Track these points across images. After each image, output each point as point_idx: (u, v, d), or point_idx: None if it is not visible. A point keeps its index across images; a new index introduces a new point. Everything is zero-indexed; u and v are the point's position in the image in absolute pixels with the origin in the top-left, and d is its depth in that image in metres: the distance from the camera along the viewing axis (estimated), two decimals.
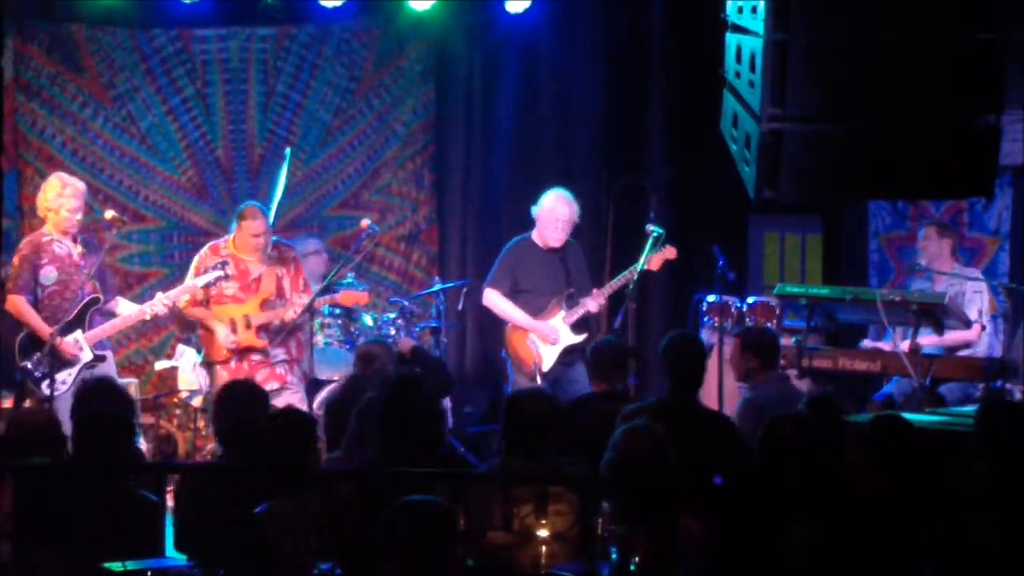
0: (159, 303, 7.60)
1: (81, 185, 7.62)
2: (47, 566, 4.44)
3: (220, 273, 7.61)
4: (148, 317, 7.72)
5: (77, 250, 7.55)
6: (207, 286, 7.65)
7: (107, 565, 4.30)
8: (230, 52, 9.91)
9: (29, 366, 7.38)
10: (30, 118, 9.68)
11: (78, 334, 7.45)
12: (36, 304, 7.43)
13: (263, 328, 7.73)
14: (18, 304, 7.43)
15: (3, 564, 4.54)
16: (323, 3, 9.61)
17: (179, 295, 7.67)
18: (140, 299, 8.36)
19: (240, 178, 9.99)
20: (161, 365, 9.19)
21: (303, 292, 7.84)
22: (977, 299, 8.27)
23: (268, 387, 7.64)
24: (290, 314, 7.70)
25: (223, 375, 7.65)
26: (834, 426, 5.15)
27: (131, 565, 4.33)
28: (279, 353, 7.79)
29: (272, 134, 9.99)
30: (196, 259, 7.88)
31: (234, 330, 7.68)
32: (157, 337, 9.62)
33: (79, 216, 7.53)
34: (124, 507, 4.78)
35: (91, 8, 9.68)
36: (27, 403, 7.44)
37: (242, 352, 7.70)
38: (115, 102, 9.79)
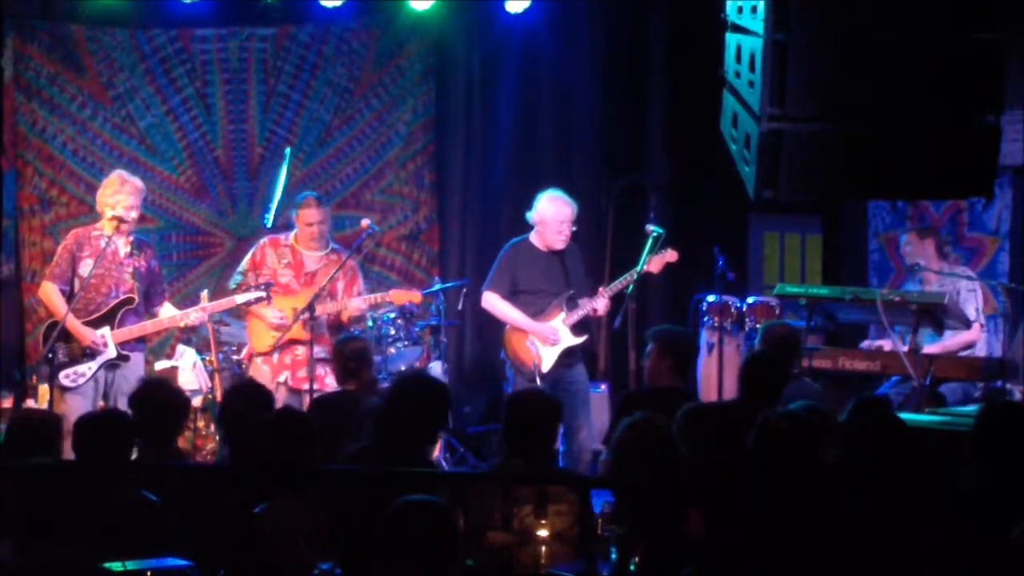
0: (195, 313, 7.63)
1: (139, 183, 7.64)
2: (47, 566, 4.43)
3: (262, 294, 7.69)
4: (181, 324, 7.76)
5: (125, 249, 7.57)
6: (247, 304, 7.72)
7: (107, 565, 4.29)
8: (230, 52, 9.92)
9: (50, 354, 7.38)
10: (30, 118, 9.68)
11: (105, 330, 7.46)
12: (71, 295, 7.45)
13: (309, 321, 7.71)
14: (47, 290, 7.50)
15: (3, 563, 4.53)
16: (323, 3, 9.62)
17: (218, 308, 7.72)
18: None
19: (239, 178, 9.99)
20: (161, 365, 9.17)
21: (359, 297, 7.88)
22: (972, 298, 8.26)
23: (304, 387, 7.68)
24: (355, 304, 7.74)
25: (263, 369, 7.70)
26: (888, 429, 5.08)
27: (131, 565, 4.33)
28: (321, 350, 7.77)
29: (272, 134, 10.00)
30: (254, 250, 7.94)
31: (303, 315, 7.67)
32: (157, 337, 9.61)
33: (134, 214, 7.55)
34: (124, 507, 4.78)
35: (91, 8, 9.69)
36: (30, 402, 7.46)
37: (284, 347, 7.68)
38: (115, 102, 9.80)
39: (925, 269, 8.40)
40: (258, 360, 7.77)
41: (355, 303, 7.76)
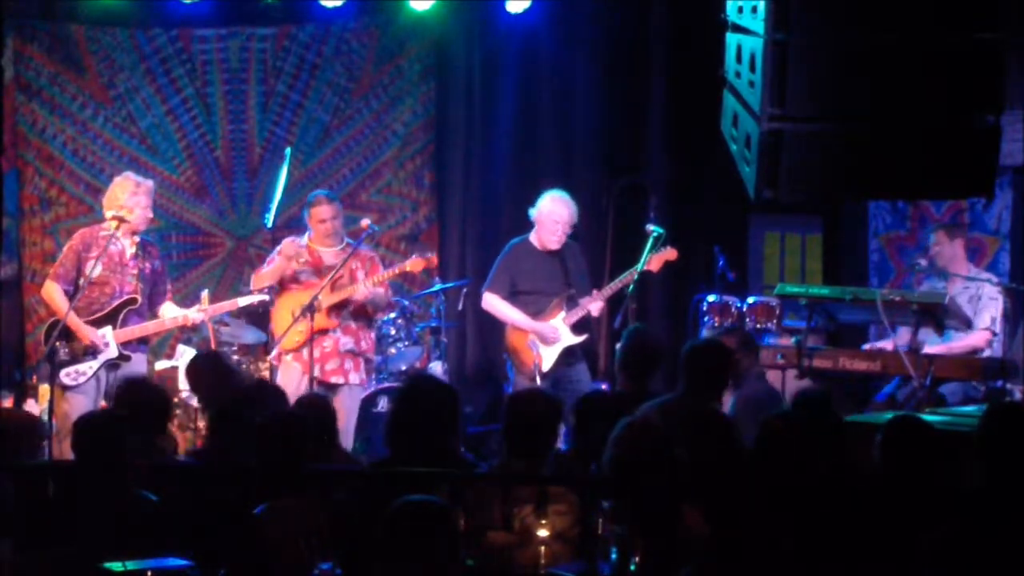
0: (195, 313, 7.65)
1: (151, 184, 7.66)
2: (47, 566, 4.44)
3: (265, 297, 7.75)
4: (182, 323, 7.77)
5: (131, 251, 7.56)
6: (248, 306, 7.80)
7: (107, 565, 4.29)
8: (230, 52, 9.92)
9: (51, 353, 7.36)
10: (30, 118, 9.69)
11: (107, 329, 7.45)
12: (75, 295, 7.43)
13: (334, 309, 7.73)
14: (51, 290, 7.50)
15: (3, 563, 4.54)
16: (323, 3, 9.62)
17: (220, 310, 7.79)
18: None
19: (239, 178, 10.00)
20: (161, 365, 9.18)
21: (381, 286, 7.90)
22: (992, 306, 8.19)
23: (333, 380, 7.74)
24: (359, 289, 7.71)
25: (295, 366, 7.72)
26: (831, 426, 5.14)
27: (131, 565, 4.33)
28: (348, 342, 7.80)
29: (272, 134, 10.00)
30: (274, 255, 7.91)
31: (304, 315, 7.67)
32: (157, 337, 9.59)
33: (150, 214, 7.57)
34: (124, 507, 4.78)
35: (91, 8, 9.70)
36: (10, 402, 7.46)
37: (311, 340, 7.65)
38: (115, 102, 9.80)
39: (924, 269, 8.39)
40: (288, 358, 7.78)
41: (360, 288, 7.74)
